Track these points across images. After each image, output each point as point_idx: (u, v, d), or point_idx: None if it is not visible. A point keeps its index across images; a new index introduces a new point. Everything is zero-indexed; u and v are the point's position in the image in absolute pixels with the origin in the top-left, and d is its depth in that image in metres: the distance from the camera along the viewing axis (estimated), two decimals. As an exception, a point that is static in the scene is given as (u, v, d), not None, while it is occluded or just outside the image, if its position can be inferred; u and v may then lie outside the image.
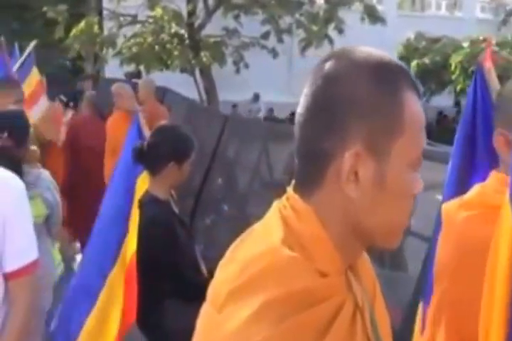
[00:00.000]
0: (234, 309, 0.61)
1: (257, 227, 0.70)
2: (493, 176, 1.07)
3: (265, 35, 9.08)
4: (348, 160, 0.63)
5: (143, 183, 1.69)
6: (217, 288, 0.67)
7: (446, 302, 1.06)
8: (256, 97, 11.66)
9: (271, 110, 11.46)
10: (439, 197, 1.56)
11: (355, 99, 0.64)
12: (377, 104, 0.65)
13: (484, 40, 11.05)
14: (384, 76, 0.65)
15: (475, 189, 1.09)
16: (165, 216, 1.72)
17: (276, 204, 0.70)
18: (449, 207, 1.11)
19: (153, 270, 1.60)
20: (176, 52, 9.00)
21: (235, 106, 11.29)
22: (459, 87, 10.82)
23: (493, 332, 0.86)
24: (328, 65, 0.66)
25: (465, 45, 11.19)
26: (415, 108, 0.67)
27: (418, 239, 2.29)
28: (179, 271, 1.65)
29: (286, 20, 9.02)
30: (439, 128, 11.90)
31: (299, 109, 0.67)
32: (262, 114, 11.52)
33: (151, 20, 9.24)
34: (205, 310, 0.68)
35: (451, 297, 1.05)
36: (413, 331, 1.32)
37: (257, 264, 0.63)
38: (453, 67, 10.91)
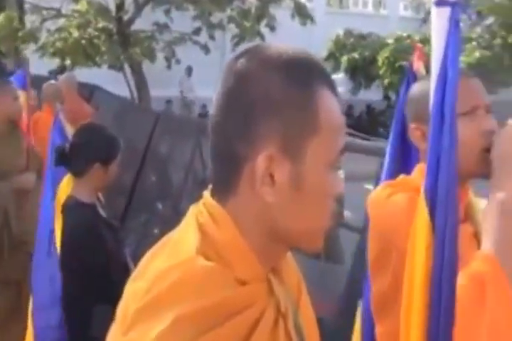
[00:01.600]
0: (142, 329, 0.56)
1: (172, 236, 0.66)
2: (418, 167, 1.14)
3: (197, 31, 9.00)
4: (261, 163, 0.60)
5: (66, 186, 1.62)
6: (123, 306, 0.62)
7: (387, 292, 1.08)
8: (189, 71, 11.53)
9: (204, 106, 11.38)
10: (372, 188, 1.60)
11: (265, 99, 0.61)
12: (289, 103, 0.61)
13: (408, 37, 11.61)
14: (296, 73, 0.62)
15: (401, 177, 1.17)
16: (89, 220, 1.65)
17: (192, 210, 0.66)
18: (374, 192, 1.16)
19: (79, 277, 1.53)
20: (104, 48, 8.70)
21: (168, 101, 11.13)
22: (386, 81, 11.28)
23: (413, 325, 0.88)
24: (239, 63, 0.63)
25: (390, 41, 11.67)
26: (331, 106, 0.64)
27: (351, 230, 2.34)
28: (107, 276, 1.57)
29: (218, 16, 8.99)
30: (369, 121, 12.35)
31: (212, 110, 0.64)
32: (196, 107, 11.44)
33: (76, 14, 8.88)
34: (112, 331, 0.62)
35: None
36: (348, 322, 1.34)
37: (169, 277, 0.58)
38: (380, 63, 11.36)
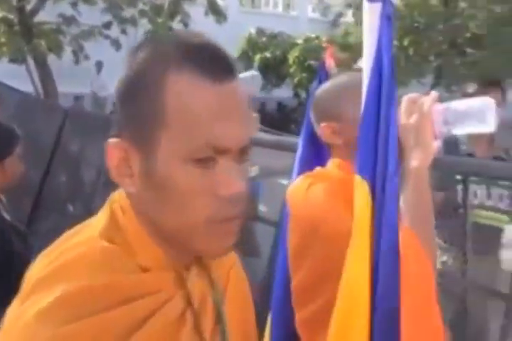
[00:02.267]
0: (33, 300, 0.56)
1: (89, 221, 0.68)
2: (331, 161, 1.19)
3: (107, 25, 8.66)
4: (114, 154, 0.60)
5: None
6: (26, 279, 0.62)
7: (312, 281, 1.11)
8: (99, 66, 11.04)
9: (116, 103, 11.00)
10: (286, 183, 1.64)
11: (125, 86, 0.60)
12: (140, 91, 0.58)
13: (316, 37, 12.07)
14: (155, 57, 0.58)
15: (317, 169, 1.21)
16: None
17: (110, 197, 0.67)
18: (293, 183, 1.20)
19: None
20: (3, 39, 8.13)
21: (77, 98, 10.63)
22: (296, 80, 11.62)
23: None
24: (129, 56, 0.62)
25: (300, 41, 12.05)
26: (187, 94, 0.57)
27: (267, 224, 2.38)
28: (13, 281, 1.48)
29: (130, 11, 8.73)
30: (281, 118, 12.64)
31: None
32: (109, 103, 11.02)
33: (-30, 2, 8.21)
34: (14, 301, 0.61)
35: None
36: (265, 314, 1.36)
37: (70, 253, 0.60)
38: (291, 62, 11.68)
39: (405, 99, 1.01)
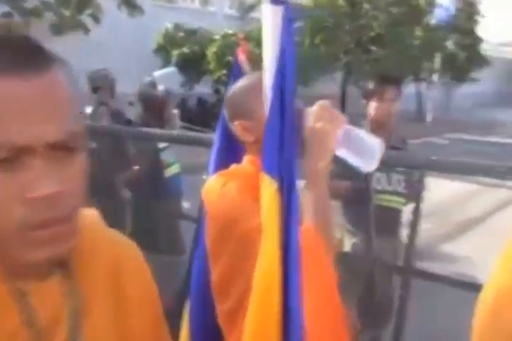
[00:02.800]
0: None
1: None
2: (245, 158, 1.25)
3: (6, 16, 8.14)
4: None
5: None
6: None
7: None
8: None
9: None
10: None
11: None
12: None
13: (234, 34, 12.15)
14: None
15: (233, 166, 1.26)
16: None
17: None
18: (208, 181, 1.24)
19: None
20: None
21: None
22: (216, 76, 11.66)
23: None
24: None
25: (218, 37, 12.07)
26: None
27: (191, 221, 2.43)
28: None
29: (32, 2, 8.27)
30: (201, 114, 12.60)
31: None
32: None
33: None
34: None
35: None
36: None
37: None
38: (209, 58, 11.68)
39: (318, 105, 1.10)
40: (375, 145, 1.06)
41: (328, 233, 1.05)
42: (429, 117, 17.37)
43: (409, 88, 20.51)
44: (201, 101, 13.74)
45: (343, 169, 2.35)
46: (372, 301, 2.02)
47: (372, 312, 2.02)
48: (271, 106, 1.00)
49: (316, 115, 1.08)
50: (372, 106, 2.50)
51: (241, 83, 1.25)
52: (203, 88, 12.71)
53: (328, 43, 13.79)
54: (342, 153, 1.08)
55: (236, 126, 1.21)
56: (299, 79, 11.53)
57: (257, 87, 1.15)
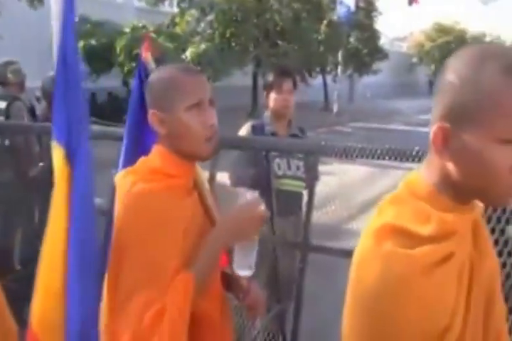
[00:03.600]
0: None
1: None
2: (155, 148, 1.27)
3: None
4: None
5: None
6: None
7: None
8: None
9: None
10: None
11: None
12: None
13: (143, 27, 11.96)
14: None
15: (141, 159, 1.28)
16: None
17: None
18: (118, 176, 1.26)
19: None
20: None
21: None
22: (125, 69, 11.41)
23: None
24: None
25: (127, 30, 11.83)
26: None
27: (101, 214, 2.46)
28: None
29: None
30: (112, 108, 12.29)
31: None
32: None
33: None
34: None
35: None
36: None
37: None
38: (118, 50, 11.41)
39: (250, 201, 1.25)
40: (251, 264, 1.26)
41: (202, 285, 1.16)
42: (335, 107, 18.20)
43: (318, 80, 21.37)
44: (112, 96, 13.41)
45: (249, 157, 2.54)
46: (277, 278, 2.20)
47: (278, 288, 2.21)
48: (57, 73, 1.06)
49: (244, 208, 1.23)
50: (272, 98, 2.68)
51: (162, 74, 1.25)
52: (113, 82, 12.41)
53: (238, 37, 14.01)
54: (237, 248, 1.26)
55: (151, 115, 1.23)
56: (213, 72, 11.64)
57: (175, 81, 1.20)
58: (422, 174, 0.86)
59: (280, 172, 2.62)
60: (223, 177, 2.59)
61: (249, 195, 1.28)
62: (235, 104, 14.67)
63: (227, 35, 13.88)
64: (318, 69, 20.28)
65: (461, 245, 0.81)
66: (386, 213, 0.83)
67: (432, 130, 0.81)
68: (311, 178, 2.09)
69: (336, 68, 19.78)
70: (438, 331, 0.76)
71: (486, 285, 0.85)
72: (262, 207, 1.23)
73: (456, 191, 0.81)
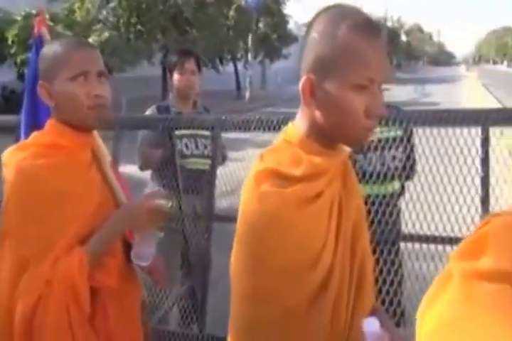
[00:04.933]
0: None
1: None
2: (48, 122, 1.28)
3: None
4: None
5: None
6: None
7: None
8: None
9: None
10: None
11: None
12: None
13: (37, 14, 11.23)
14: None
15: (32, 135, 1.28)
16: None
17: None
18: (5, 153, 1.24)
19: None
20: None
21: None
22: (19, 59, 10.67)
23: None
24: None
25: (19, 18, 11.06)
26: None
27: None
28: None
29: None
30: (7, 104, 11.53)
31: None
32: None
33: None
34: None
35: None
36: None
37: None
38: (10, 41, 10.66)
39: (151, 194, 1.32)
40: (148, 255, 1.32)
41: (94, 262, 1.19)
42: (247, 94, 18.36)
43: (229, 68, 21.43)
44: (6, 90, 12.57)
45: (154, 138, 2.52)
46: (188, 253, 2.23)
47: (189, 263, 2.24)
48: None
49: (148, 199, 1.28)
50: (175, 78, 2.67)
51: (51, 47, 1.27)
52: (6, 75, 11.59)
53: (144, 24, 13.64)
54: (137, 237, 1.31)
55: (39, 87, 1.24)
56: (119, 62, 11.24)
57: (60, 53, 1.22)
58: (296, 124, 0.96)
59: (188, 152, 2.63)
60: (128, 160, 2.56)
61: (148, 190, 1.32)
62: (146, 95, 14.35)
63: (133, 21, 13.45)
64: (229, 56, 20.32)
65: (331, 184, 0.92)
66: (266, 159, 0.93)
67: (300, 82, 0.90)
68: (214, 156, 2.12)
69: (247, 54, 19.94)
70: (310, 259, 0.87)
71: (354, 219, 0.96)
72: (163, 201, 1.28)
73: (323, 136, 0.91)
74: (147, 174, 2.73)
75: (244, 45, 19.36)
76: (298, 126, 0.94)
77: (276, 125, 1.89)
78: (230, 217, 1.97)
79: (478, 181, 1.53)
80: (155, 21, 13.62)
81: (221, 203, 2.61)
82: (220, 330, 1.67)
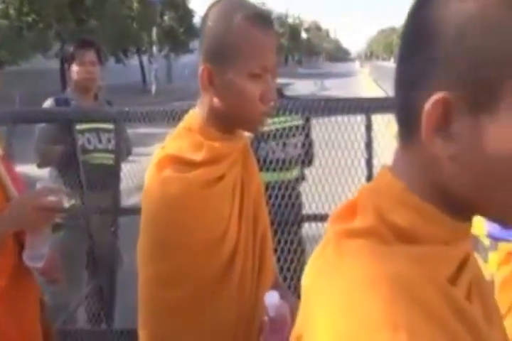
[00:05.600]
0: None
1: None
2: None
3: None
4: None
5: None
6: None
7: None
8: None
9: None
10: None
11: None
12: None
13: None
14: None
15: None
16: None
17: None
18: None
19: None
20: None
21: None
22: None
23: None
24: None
25: None
26: None
27: None
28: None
29: None
30: None
31: None
32: None
33: None
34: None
35: None
36: None
37: None
38: None
39: (37, 192, 1.22)
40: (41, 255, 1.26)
41: None
42: (153, 88, 18.01)
43: (135, 62, 20.84)
44: None
45: (53, 134, 2.41)
46: (94, 250, 2.17)
47: (94, 260, 2.18)
48: None
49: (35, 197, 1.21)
50: (74, 70, 2.56)
51: None
52: None
53: (39, 13, 12.80)
54: (28, 238, 1.23)
55: None
56: (8, 54, 10.48)
57: None
58: (196, 111, 1.00)
59: (91, 147, 2.54)
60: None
61: (39, 185, 1.25)
62: (43, 89, 13.55)
63: (25, 10, 12.58)
64: (134, 49, 19.77)
65: (232, 168, 0.97)
66: (167, 147, 0.96)
67: (199, 71, 0.93)
68: (118, 150, 2.08)
69: (151, 48, 19.52)
70: (216, 237, 0.92)
71: (254, 198, 1.03)
72: (52, 198, 1.22)
73: (222, 122, 0.96)
74: (45, 172, 2.61)
75: (149, 38, 18.93)
76: (197, 113, 0.97)
77: (181, 116, 1.89)
78: (136, 210, 1.95)
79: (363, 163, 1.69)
80: (49, 9, 12.82)
81: (129, 200, 2.56)
82: (130, 323, 1.66)
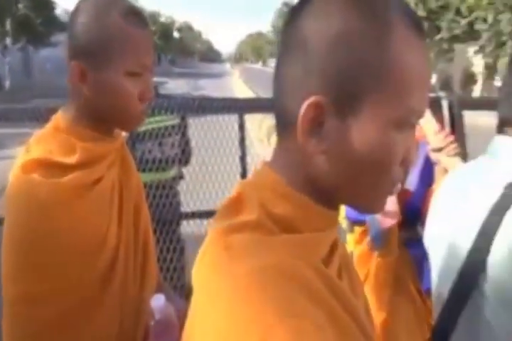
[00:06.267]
0: None
1: None
2: None
3: None
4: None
5: None
6: None
7: None
8: None
9: None
10: None
11: None
12: None
13: None
14: None
15: None
16: None
17: None
18: None
19: None
20: None
21: None
22: None
23: None
24: None
25: None
26: None
27: None
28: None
29: None
30: None
31: None
32: None
33: None
34: None
35: None
36: None
37: None
38: None
39: None
40: None
41: None
42: (7, 84, 16.52)
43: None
44: None
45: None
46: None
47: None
48: None
49: None
50: None
51: None
52: None
53: None
54: None
55: None
56: None
57: None
58: (65, 111, 0.92)
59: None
60: None
61: None
62: None
63: None
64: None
65: (109, 169, 0.92)
66: (33, 150, 0.87)
67: (68, 68, 0.87)
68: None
69: (4, 39, 17.88)
70: (95, 245, 0.86)
71: (134, 201, 0.99)
72: None
73: (96, 122, 0.90)
74: None
75: (2, 28, 17.32)
76: (67, 113, 0.90)
77: (46, 115, 1.77)
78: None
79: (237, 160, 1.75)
80: None
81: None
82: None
